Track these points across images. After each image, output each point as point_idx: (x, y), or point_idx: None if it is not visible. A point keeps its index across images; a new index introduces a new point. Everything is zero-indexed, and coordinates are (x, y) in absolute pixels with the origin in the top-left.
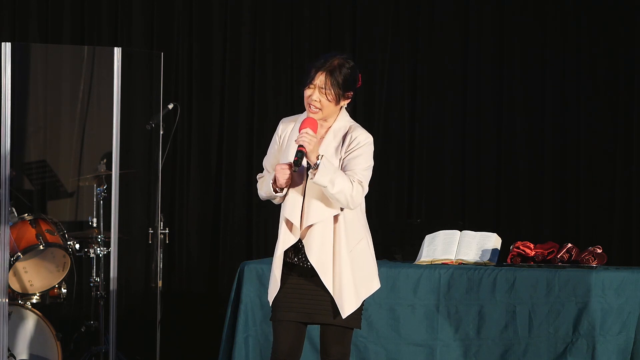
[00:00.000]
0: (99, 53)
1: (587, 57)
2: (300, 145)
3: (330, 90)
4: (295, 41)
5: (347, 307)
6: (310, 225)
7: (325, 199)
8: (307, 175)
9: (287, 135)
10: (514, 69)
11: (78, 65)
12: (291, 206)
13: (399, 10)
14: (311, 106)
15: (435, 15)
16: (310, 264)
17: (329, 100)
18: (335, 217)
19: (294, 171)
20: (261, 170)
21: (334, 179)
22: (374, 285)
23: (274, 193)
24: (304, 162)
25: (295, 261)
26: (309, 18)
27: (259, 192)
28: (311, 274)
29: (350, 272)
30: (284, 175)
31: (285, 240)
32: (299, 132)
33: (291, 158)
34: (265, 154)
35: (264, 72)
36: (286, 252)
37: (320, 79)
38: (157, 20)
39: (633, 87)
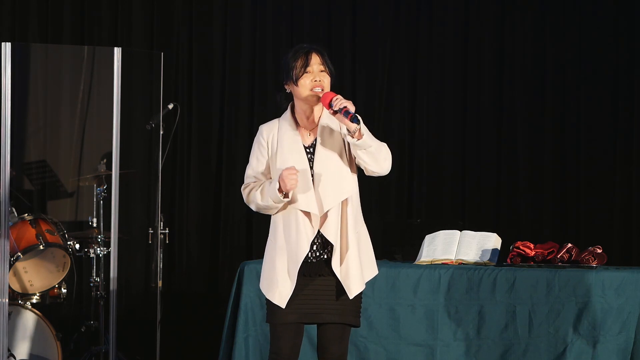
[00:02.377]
0: (99, 53)
1: (587, 55)
2: (343, 108)
3: (328, 66)
4: (295, 41)
5: (353, 287)
6: (325, 214)
7: (334, 183)
8: (310, 161)
9: (274, 139)
10: (514, 68)
11: (78, 65)
12: (305, 199)
13: (399, 10)
14: (315, 88)
15: (435, 15)
16: (321, 259)
17: (329, 76)
18: (344, 201)
19: (357, 124)
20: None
21: (374, 140)
22: (375, 269)
23: (282, 199)
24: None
25: (310, 259)
26: (309, 18)
27: (256, 202)
28: (317, 272)
29: (357, 253)
30: (292, 181)
31: (307, 233)
32: (328, 103)
33: (291, 162)
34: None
35: (264, 72)
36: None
37: (314, 60)
38: (157, 20)
39: (633, 87)
